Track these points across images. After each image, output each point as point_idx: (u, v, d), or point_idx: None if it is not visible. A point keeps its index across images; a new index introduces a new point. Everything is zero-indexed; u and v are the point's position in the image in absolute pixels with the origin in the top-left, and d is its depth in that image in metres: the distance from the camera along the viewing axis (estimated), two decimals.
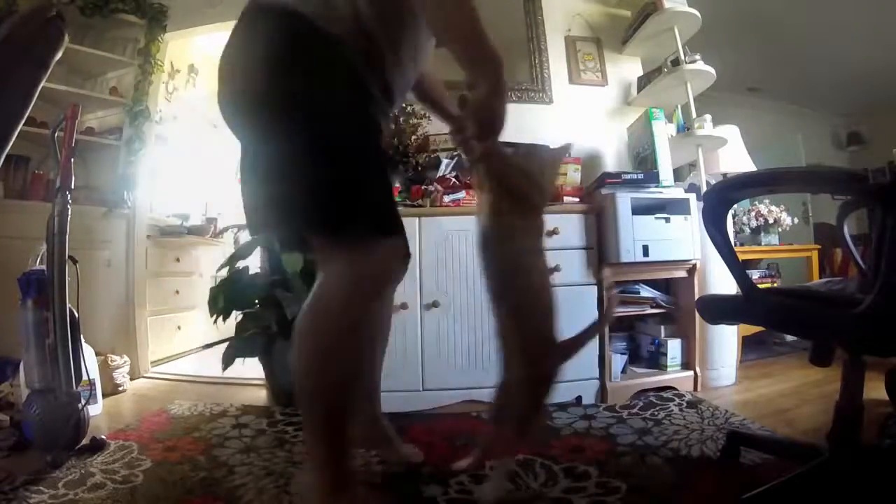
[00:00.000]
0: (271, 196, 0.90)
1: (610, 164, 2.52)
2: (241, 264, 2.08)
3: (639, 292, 2.08)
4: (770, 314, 1.01)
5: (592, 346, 1.94)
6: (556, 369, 1.13)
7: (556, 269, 1.90)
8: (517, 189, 1.01)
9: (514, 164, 1.04)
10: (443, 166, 2.20)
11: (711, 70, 2.33)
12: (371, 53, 0.92)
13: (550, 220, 1.92)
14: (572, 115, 2.57)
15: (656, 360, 2.11)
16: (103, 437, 1.53)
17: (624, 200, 1.92)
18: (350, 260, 0.88)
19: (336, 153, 0.87)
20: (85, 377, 1.54)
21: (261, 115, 0.88)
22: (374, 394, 1.30)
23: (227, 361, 1.87)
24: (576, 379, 1.93)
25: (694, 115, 2.34)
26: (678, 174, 2.48)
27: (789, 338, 2.80)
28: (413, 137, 2.26)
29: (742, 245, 2.76)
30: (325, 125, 0.87)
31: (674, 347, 2.06)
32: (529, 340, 1.07)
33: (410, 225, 1.54)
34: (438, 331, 1.84)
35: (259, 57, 0.87)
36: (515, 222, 1.01)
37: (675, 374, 2.04)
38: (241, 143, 0.95)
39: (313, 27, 0.86)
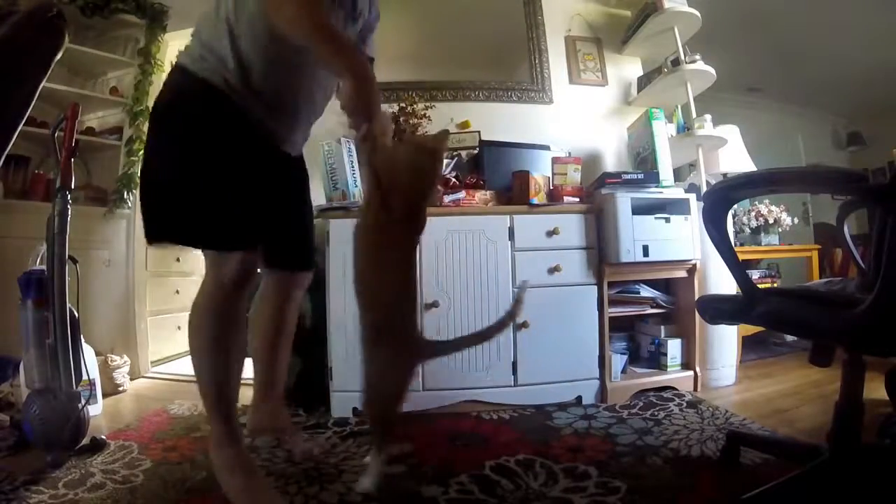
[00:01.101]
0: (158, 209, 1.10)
1: (610, 164, 2.52)
2: None
3: (639, 292, 2.08)
4: (770, 314, 1.01)
5: (593, 345, 1.94)
6: (406, 376, 1.15)
7: (557, 268, 1.91)
8: (394, 181, 1.02)
9: (396, 155, 1.08)
10: (443, 166, 2.20)
11: (711, 70, 2.33)
12: (243, 86, 1.09)
13: (551, 220, 1.93)
14: (572, 115, 2.58)
15: (656, 360, 2.11)
16: (103, 437, 1.54)
17: (624, 200, 1.92)
18: (208, 268, 1.14)
19: (199, 174, 1.05)
20: (85, 377, 1.54)
21: (150, 142, 1.13)
22: (276, 385, 1.41)
23: None
24: (576, 379, 1.93)
25: (694, 115, 2.34)
26: (678, 174, 2.48)
27: (789, 338, 2.80)
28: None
29: (742, 245, 2.76)
30: (193, 152, 1.06)
31: (674, 347, 2.06)
32: (379, 345, 1.11)
33: None
34: (438, 331, 1.84)
35: (162, 94, 1.13)
36: (379, 215, 1.03)
37: (675, 374, 2.04)
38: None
39: (192, 76, 1.08)
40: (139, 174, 1.18)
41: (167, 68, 2.74)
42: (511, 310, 1.23)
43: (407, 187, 1.03)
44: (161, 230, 1.09)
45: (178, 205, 1.06)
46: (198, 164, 1.05)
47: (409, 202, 1.04)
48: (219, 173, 1.06)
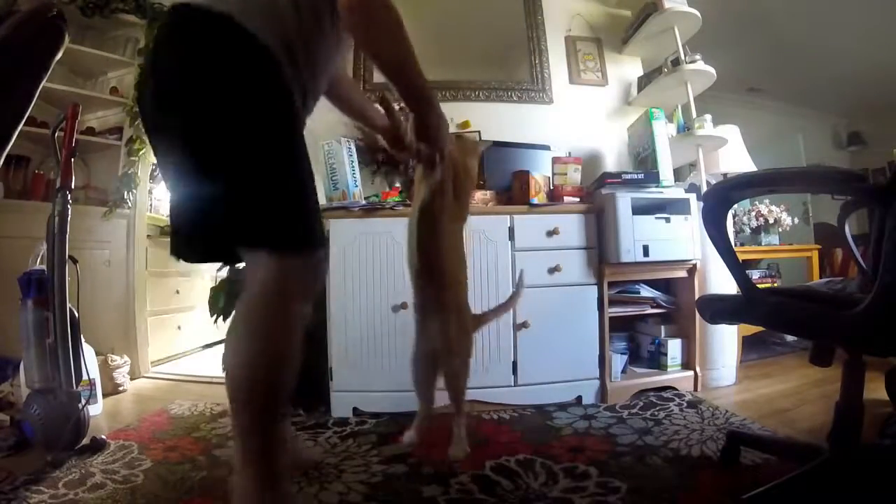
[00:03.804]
0: (205, 208, 0.89)
1: (610, 164, 2.53)
2: (241, 264, 2.08)
3: (639, 292, 2.08)
4: (770, 314, 1.01)
5: (593, 345, 1.94)
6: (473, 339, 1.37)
7: (557, 268, 1.91)
8: (459, 182, 1.25)
9: (457, 163, 1.26)
10: None
11: (711, 70, 2.33)
12: (293, 59, 0.94)
13: (551, 220, 1.93)
14: (572, 115, 2.58)
15: (656, 360, 2.11)
16: (103, 436, 1.54)
17: (624, 200, 1.92)
18: (282, 268, 0.88)
19: (272, 167, 0.87)
20: (85, 377, 1.54)
21: (191, 120, 0.87)
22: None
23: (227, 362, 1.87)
24: (576, 379, 1.93)
25: (694, 115, 2.34)
26: (678, 174, 2.48)
27: (789, 338, 2.80)
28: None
29: (742, 245, 2.76)
30: (258, 134, 0.87)
31: (674, 347, 2.06)
32: (455, 312, 1.29)
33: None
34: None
35: (195, 61, 0.86)
36: (452, 207, 1.24)
37: (675, 374, 2.04)
38: (164, 147, 0.95)
39: (250, 38, 0.86)
40: (201, 167, 0.88)
41: None
42: (515, 290, 1.53)
43: (463, 182, 1.27)
44: (257, 236, 0.88)
45: (293, 200, 0.89)
46: (293, 153, 0.91)
47: (465, 194, 1.29)
48: (306, 161, 0.93)
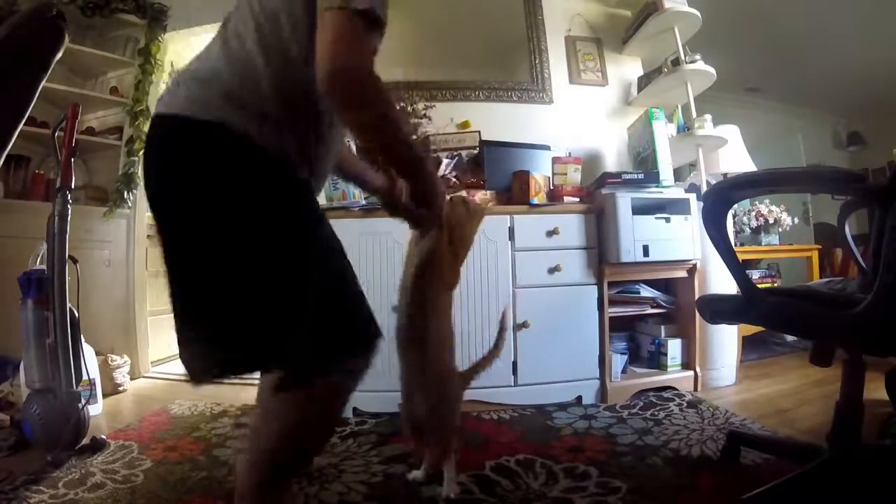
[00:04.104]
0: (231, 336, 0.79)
1: (610, 164, 2.52)
2: None
3: (639, 292, 2.08)
4: (770, 314, 1.01)
5: (593, 345, 1.94)
6: (459, 398, 1.28)
7: (557, 268, 1.91)
8: (457, 240, 1.22)
9: (455, 216, 1.23)
10: (443, 166, 2.20)
11: (711, 70, 2.33)
12: (302, 157, 0.86)
13: (551, 220, 1.93)
14: (572, 115, 2.58)
15: (656, 360, 2.11)
16: (103, 436, 1.54)
17: (624, 200, 1.92)
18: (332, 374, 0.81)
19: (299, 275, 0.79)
20: (85, 377, 1.54)
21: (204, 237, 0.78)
22: None
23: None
24: (576, 379, 1.93)
25: (694, 115, 2.34)
26: (678, 174, 2.48)
27: (789, 338, 2.80)
28: (413, 138, 2.26)
29: (742, 245, 2.76)
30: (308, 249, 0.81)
31: (674, 347, 2.06)
32: (437, 372, 1.21)
33: None
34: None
35: (213, 184, 0.78)
36: (445, 267, 1.21)
37: (675, 374, 2.04)
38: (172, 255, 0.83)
39: (261, 152, 0.79)
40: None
41: (167, 68, 2.75)
42: (499, 335, 1.42)
43: (461, 242, 1.25)
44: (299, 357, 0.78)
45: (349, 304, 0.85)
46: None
47: (461, 254, 1.26)
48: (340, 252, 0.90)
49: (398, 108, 0.90)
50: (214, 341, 0.80)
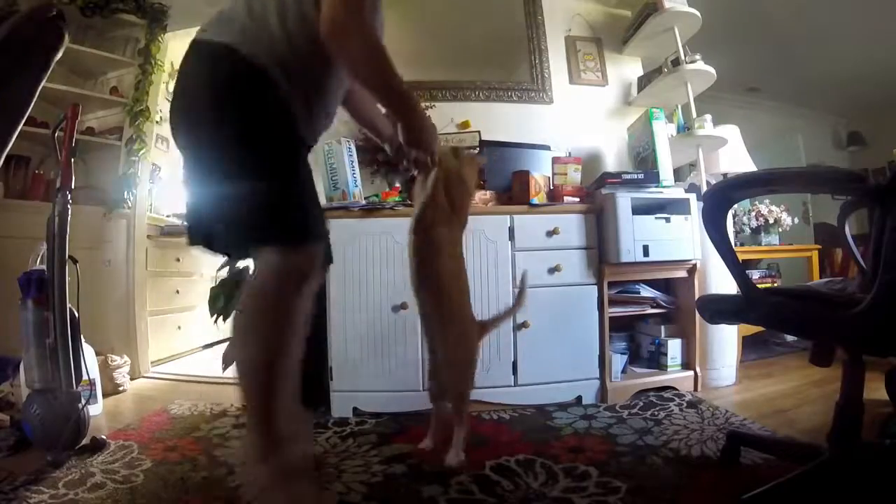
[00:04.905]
0: (212, 211, 1.04)
1: (610, 164, 2.53)
2: (241, 264, 2.08)
3: (639, 292, 2.08)
4: (770, 314, 1.01)
5: (593, 345, 1.94)
6: (476, 347, 1.37)
7: (557, 268, 1.91)
8: (453, 190, 1.28)
9: (452, 171, 1.29)
10: None
11: (711, 70, 2.33)
12: (293, 82, 1.04)
13: (551, 220, 1.93)
14: (572, 115, 2.58)
15: (656, 360, 2.11)
16: (103, 436, 1.54)
17: (624, 200, 1.92)
18: (279, 260, 1.01)
19: (266, 174, 1.00)
20: (85, 377, 1.54)
21: (203, 136, 1.02)
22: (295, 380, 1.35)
23: (228, 361, 1.87)
24: (576, 379, 1.93)
25: (694, 115, 2.34)
26: (678, 174, 2.48)
27: (789, 338, 2.80)
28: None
29: (742, 245, 2.76)
30: (257, 149, 1.00)
31: (674, 347, 2.06)
32: (453, 322, 1.29)
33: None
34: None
35: (202, 84, 1.02)
36: (446, 216, 1.27)
37: (675, 374, 2.04)
38: (182, 154, 1.08)
39: (247, 61, 0.99)
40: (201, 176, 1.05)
41: (167, 68, 2.76)
42: (519, 294, 1.53)
43: (458, 191, 1.29)
44: (261, 234, 1.00)
45: (280, 204, 1.00)
46: (285, 162, 1.03)
47: (460, 202, 1.31)
48: (298, 168, 1.06)
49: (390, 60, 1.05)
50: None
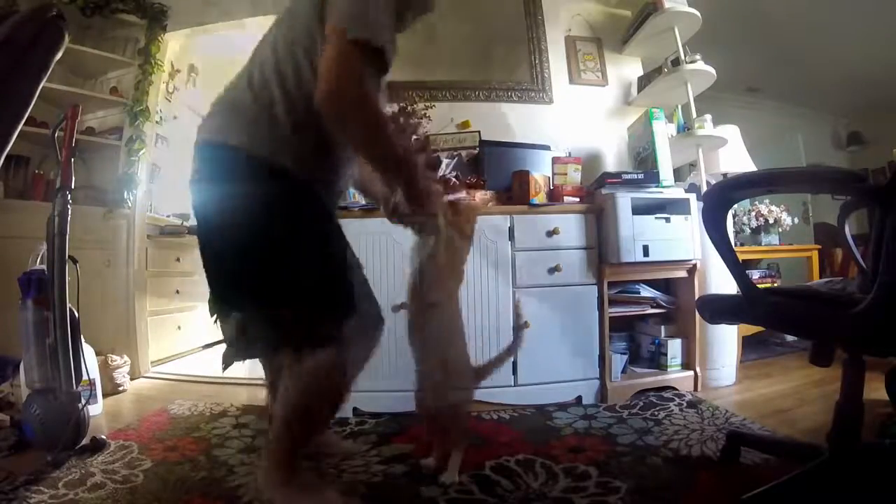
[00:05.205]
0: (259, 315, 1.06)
1: (610, 164, 2.52)
2: None
3: (639, 292, 2.08)
4: (770, 314, 1.01)
5: (593, 345, 1.94)
6: (472, 392, 1.37)
7: (557, 268, 1.91)
8: (459, 234, 1.28)
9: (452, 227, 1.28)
10: (443, 166, 2.20)
11: (711, 70, 2.33)
12: (307, 171, 1.05)
13: (551, 220, 1.93)
14: (572, 115, 2.58)
15: (656, 360, 2.11)
16: (103, 436, 1.54)
17: (624, 200, 1.92)
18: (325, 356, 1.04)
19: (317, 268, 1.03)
20: (85, 377, 1.54)
21: (240, 245, 1.02)
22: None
23: (227, 361, 1.86)
24: (576, 379, 1.93)
25: (694, 115, 2.34)
26: (678, 174, 2.48)
27: (789, 338, 2.80)
28: (413, 138, 2.26)
29: (742, 245, 2.76)
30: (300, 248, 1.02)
31: (674, 347, 2.06)
32: (454, 370, 1.29)
33: None
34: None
35: (231, 195, 1.02)
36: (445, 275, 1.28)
37: (675, 374, 2.04)
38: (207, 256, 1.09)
39: (269, 166, 1.01)
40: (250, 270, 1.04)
41: (167, 68, 2.75)
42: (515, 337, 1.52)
43: (459, 249, 1.31)
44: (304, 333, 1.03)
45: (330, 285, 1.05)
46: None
47: (457, 259, 1.32)
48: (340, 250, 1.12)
49: (389, 123, 1.08)
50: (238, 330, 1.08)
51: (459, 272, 1.33)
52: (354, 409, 1.83)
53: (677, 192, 2.09)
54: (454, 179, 2.10)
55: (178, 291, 3.14)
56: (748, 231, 2.83)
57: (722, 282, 2.02)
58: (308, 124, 1.00)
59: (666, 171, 2.18)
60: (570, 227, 1.94)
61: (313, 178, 1.06)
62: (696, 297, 1.87)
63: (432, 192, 1.18)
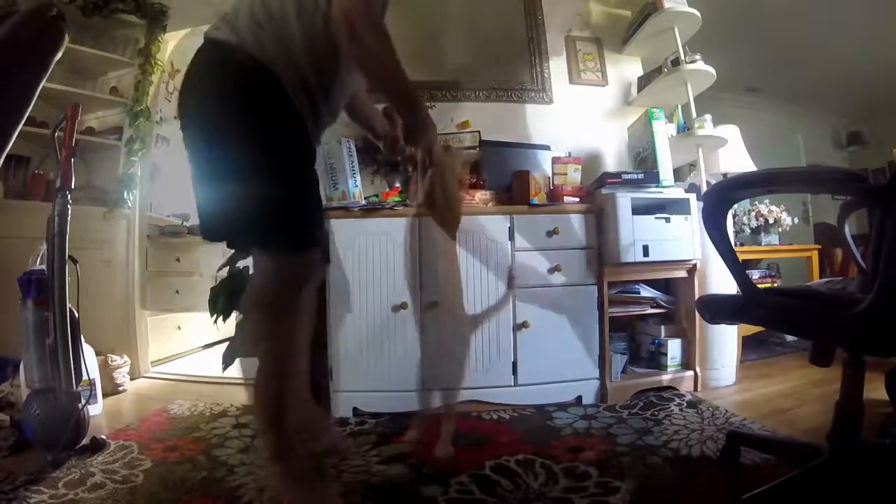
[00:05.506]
0: (218, 210, 1.07)
1: (610, 164, 2.52)
2: (241, 264, 2.08)
3: (639, 292, 2.08)
4: (770, 314, 1.01)
5: (593, 345, 1.94)
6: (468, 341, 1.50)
7: (557, 268, 1.91)
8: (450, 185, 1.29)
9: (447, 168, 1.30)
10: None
11: (711, 70, 2.32)
12: (303, 86, 1.06)
13: (551, 220, 1.93)
14: (572, 115, 2.58)
15: (656, 360, 2.11)
16: (103, 436, 1.54)
17: (624, 200, 1.92)
18: (281, 266, 1.06)
19: (272, 177, 1.03)
20: (85, 377, 1.54)
21: (211, 135, 1.04)
22: (304, 377, 1.41)
23: (227, 361, 1.87)
24: (576, 379, 1.93)
25: (694, 115, 2.34)
26: (678, 174, 2.47)
27: (789, 338, 2.80)
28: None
29: (742, 245, 2.76)
30: (266, 151, 1.02)
31: (674, 347, 2.06)
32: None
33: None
34: (438, 330, 1.84)
35: (215, 86, 1.03)
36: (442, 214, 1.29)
37: (675, 374, 2.04)
38: (189, 152, 1.10)
39: (258, 64, 1.01)
40: (205, 179, 1.07)
41: (167, 68, 2.75)
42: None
43: (453, 188, 1.31)
44: (255, 235, 1.06)
45: (286, 209, 1.04)
46: (293, 166, 1.07)
47: (456, 198, 1.33)
48: (308, 173, 1.10)
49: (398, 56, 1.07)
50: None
51: (457, 214, 1.35)
52: (354, 409, 1.83)
53: (677, 192, 2.09)
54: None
55: (178, 291, 3.13)
56: (748, 231, 2.83)
57: (722, 282, 2.02)
58: (319, 48, 1.03)
59: (666, 171, 2.18)
60: (570, 227, 1.94)
61: (309, 100, 1.07)
62: (696, 297, 1.87)
63: (431, 124, 1.19)
